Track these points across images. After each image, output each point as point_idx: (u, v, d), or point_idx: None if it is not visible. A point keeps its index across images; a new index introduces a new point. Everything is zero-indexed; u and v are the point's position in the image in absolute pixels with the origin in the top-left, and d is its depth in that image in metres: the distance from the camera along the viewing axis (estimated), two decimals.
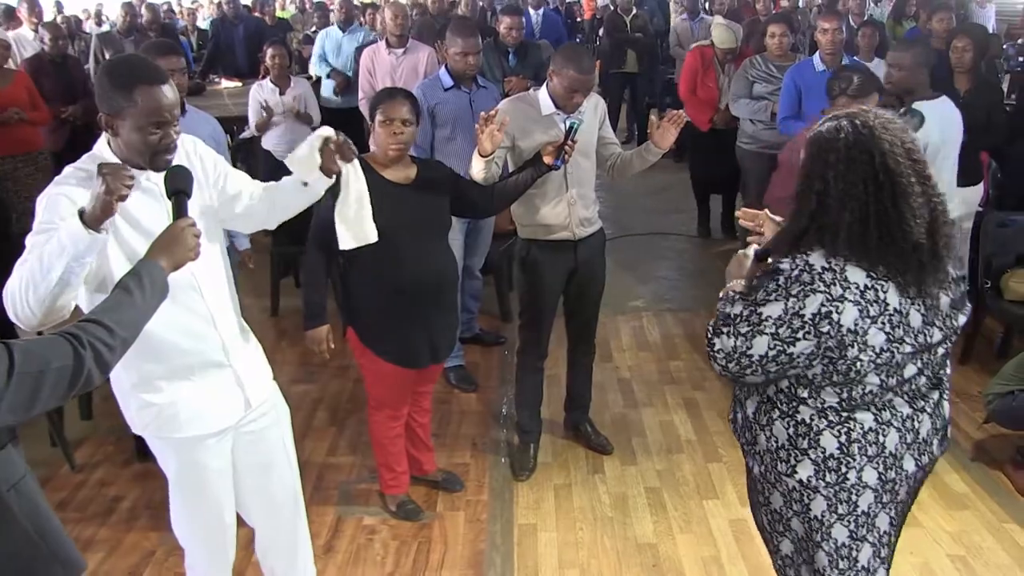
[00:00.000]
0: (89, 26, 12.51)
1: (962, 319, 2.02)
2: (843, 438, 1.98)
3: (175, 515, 2.54)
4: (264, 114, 5.78)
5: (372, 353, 3.21)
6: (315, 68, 7.07)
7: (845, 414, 1.98)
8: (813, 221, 1.91)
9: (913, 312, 1.90)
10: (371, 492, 3.66)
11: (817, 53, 4.81)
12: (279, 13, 11.56)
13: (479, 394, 4.48)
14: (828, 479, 2.00)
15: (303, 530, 2.79)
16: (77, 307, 2.19)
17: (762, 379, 1.99)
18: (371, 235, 2.69)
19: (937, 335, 1.95)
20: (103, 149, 2.15)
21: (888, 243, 1.85)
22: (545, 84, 3.45)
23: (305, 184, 2.44)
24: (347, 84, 6.68)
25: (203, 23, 11.80)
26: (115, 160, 2.11)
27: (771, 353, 1.90)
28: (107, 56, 6.85)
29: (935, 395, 2.06)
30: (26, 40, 7.28)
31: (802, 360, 1.91)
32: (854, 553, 2.07)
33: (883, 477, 2.01)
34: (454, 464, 3.85)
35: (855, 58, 5.33)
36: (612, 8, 9.92)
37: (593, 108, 3.53)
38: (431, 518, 3.51)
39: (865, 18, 7.51)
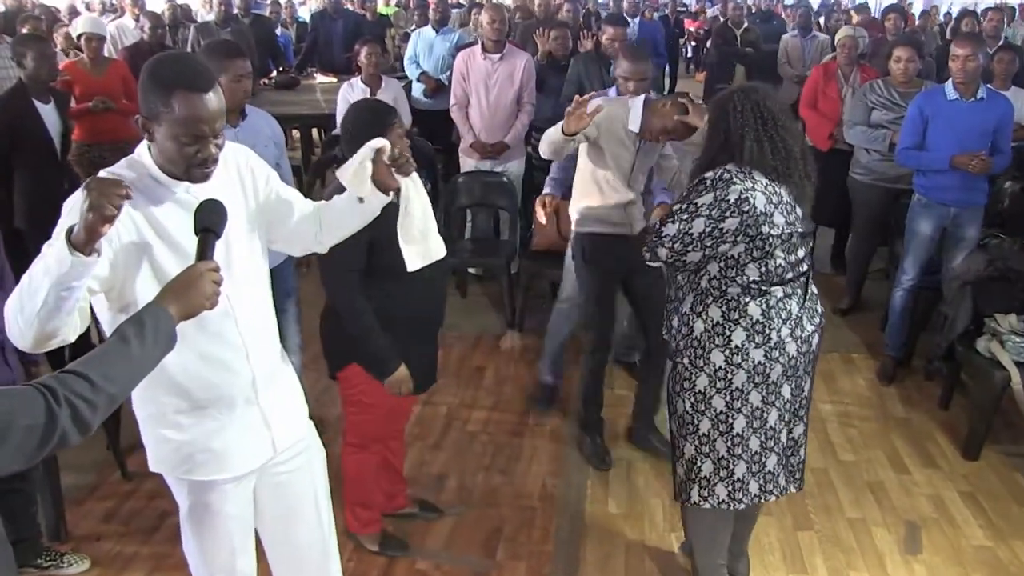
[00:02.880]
0: (201, 15, 12.66)
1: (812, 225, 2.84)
2: (764, 306, 2.61)
3: (187, 554, 2.33)
4: None
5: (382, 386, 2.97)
6: (407, 70, 6.88)
7: (764, 287, 2.60)
8: (721, 149, 2.62)
9: (797, 207, 2.62)
10: (427, 530, 3.41)
11: (950, 81, 4.37)
12: (382, 9, 11.46)
13: (553, 430, 4.19)
14: (757, 340, 2.60)
15: None
16: (101, 329, 2.02)
17: (699, 255, 2.59)
18: (439, 250, 2.43)
19: (810, 227, 2.73)
20: (143, 154, 1.94)
21: (777, 154, 2.55)
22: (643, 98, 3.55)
23: (360, 200, 2.20)
24: (437, 88, 6.47)
25: (304, 14, 11.79)
26: (153, 167, 1.91)
27: (707, 230, 2.54)
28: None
29: (810, 278, 2.76)
30: (128, 29, 7.31)
31: (729, 235, 2.54)
32: (765, 415, 2.69)
33: (793, 336, 2.64)
34: (520, 506, 3.58)
35: (989, 86, 4.85)
36: (722, 20, 9.51)
37: None
38: (489, 567, 3.24)
39: (1001, 41, 6.93)
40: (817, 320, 2.76)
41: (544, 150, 3.57)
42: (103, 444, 3.77)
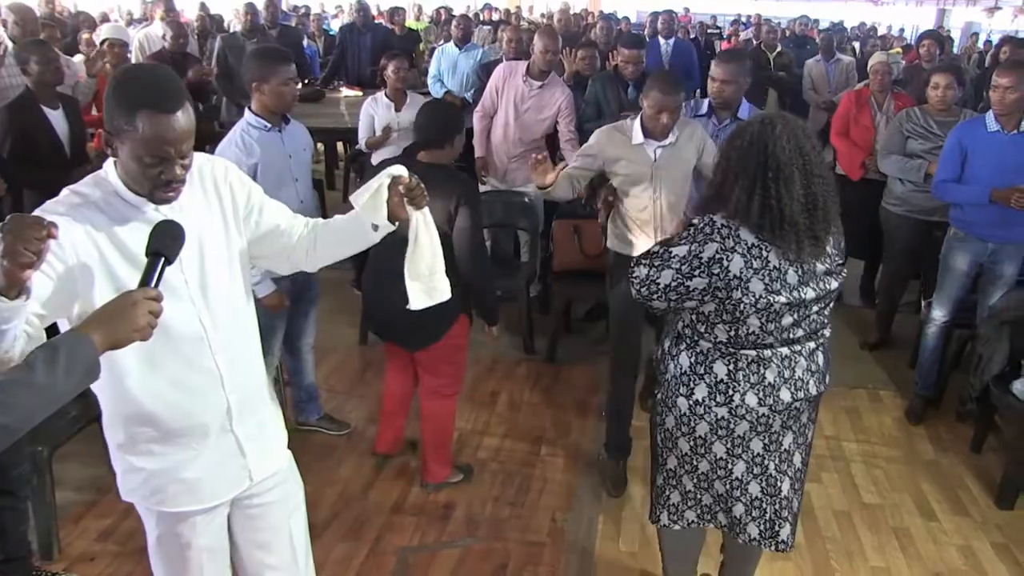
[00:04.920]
0: (234, 25, 12.70)
1: (834, 283, 2.47)
2: (731, 366, 2.46)
3: None
4: (379, 132, 5.54)
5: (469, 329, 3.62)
6: (431, 88, 6.80)
7: (733, 349, 2.44)
8: (718, 190, 2.42)
9: (791, 272, 2.35)
10: (431, 563, 3.28)
11: (990, 112, 4.20)
12: (412, 24, 11.43)
13: (566, 461, 4.04)
14: (719, 399, 2.47)
15: None
16: None
17: (664, 305, 2.45)
18: (445, 291, 2.34)
19: (811, 293, 2.39)
20: (109, 170, 1.84)
21: (765, 214, 2.30)
22: (641, 112, 3.57)
23: (375, 228, 2.11)
24: (462, 107, 6.37)
25: (335, 26, 11.77)
26: (119, 184, 1.81)
27: (673, 284, 2.38)
28: (230, 58, 6.75)
29: (811, 344, 2.51)
30: (156, 37, 7.27)
31: (696, 294, 2.38)
32: (730, 466, 2.57)
33: (762, 402, 2.45)
34: (528, 541, 3.44)
35: None
36: (755, 44, 9.37)
37: (688, 136, 3.63)
38: None
39: None
40: (802, 395, 2.51)
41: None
42: (104, 460, 3.66)
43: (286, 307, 3.56)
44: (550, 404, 4.57)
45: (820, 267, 2.41)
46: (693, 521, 2.73)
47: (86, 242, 1.75)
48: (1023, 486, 3.83)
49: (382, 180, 2.08)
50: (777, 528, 2.65)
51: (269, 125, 3.49)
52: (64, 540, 3.29)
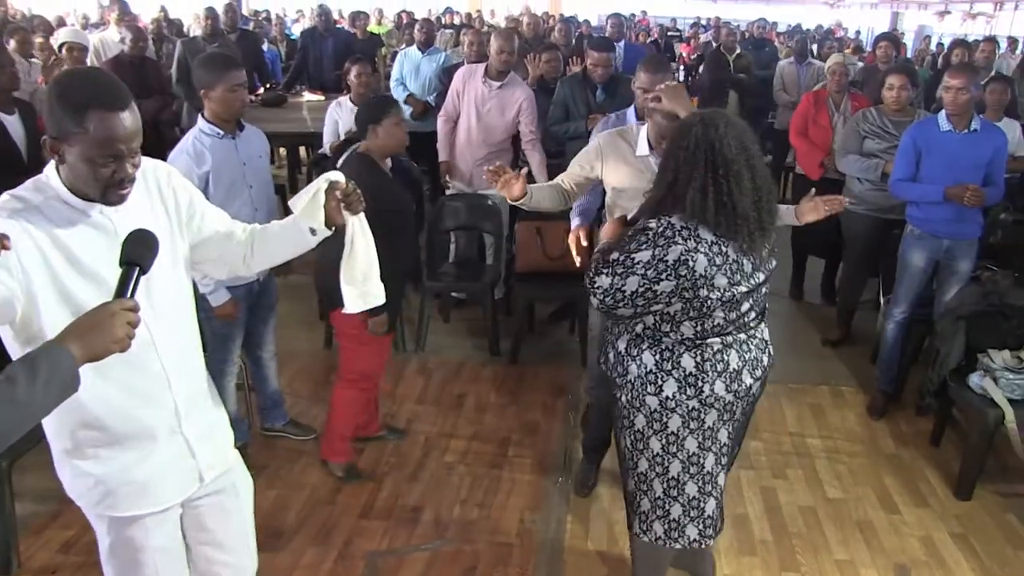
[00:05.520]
0: (193, 30, 12.56)
1: (774, 262, 2.57)
2: (698, 358, 2.50)
3: None
4: (343, 137, 5.53)
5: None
6: (393, 91, 6.79)
7: (699, 341, 2.49)
8: (669, 191, 2.43)
9: (745, 261, 2.42)
10: (399, 567, 3.28)
11: (942, 112, 4.29)
12: (375, 28, 11.39)
13: (534, 461, 4.05)
14: (689, 392, 2.51)
15: None
16: None
17: (631, 312, 2.43)
18: (380, 296, 2.37)
19: (761, 277, 2.49)
20: (51, 175, 1.82)
21: (721, 211, 2.35)
22: (646, 123, 3.31)
23: (313, 232, 2.15)
24: (425, 109, 6.37)
25: (297, 31, 11.71)
26: (62, 189, 1.79)
27: (640, 290, 2.37)
28: (190, 63, 6.69)
29: (761, 326, 2.63)
30: (112, 42, 7.19)
31: (663, 297, 2.38)
32: (701, 460, 2.59)
33: (728, 389, 2.53)
34: (497, 543, 3.44)
35: (981, 116, 4.78)
36: (715, 46, 9.46)
37: None
38: None
39: (993, 72, 6.89)
40: (759, 373, 2.62)
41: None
42: None
43: (239, 316, 3.52)
44: (516, 405, 4.58)
45: (765, 250, 2.50)
46: (660, 537, 2.70)
47: (30, 248, 1.74)
48: (980, 477, 3.91)
49: (319, 185, 2.11)
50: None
51: (222, 132, 3.42)
52: (25, 553, 3.24)
